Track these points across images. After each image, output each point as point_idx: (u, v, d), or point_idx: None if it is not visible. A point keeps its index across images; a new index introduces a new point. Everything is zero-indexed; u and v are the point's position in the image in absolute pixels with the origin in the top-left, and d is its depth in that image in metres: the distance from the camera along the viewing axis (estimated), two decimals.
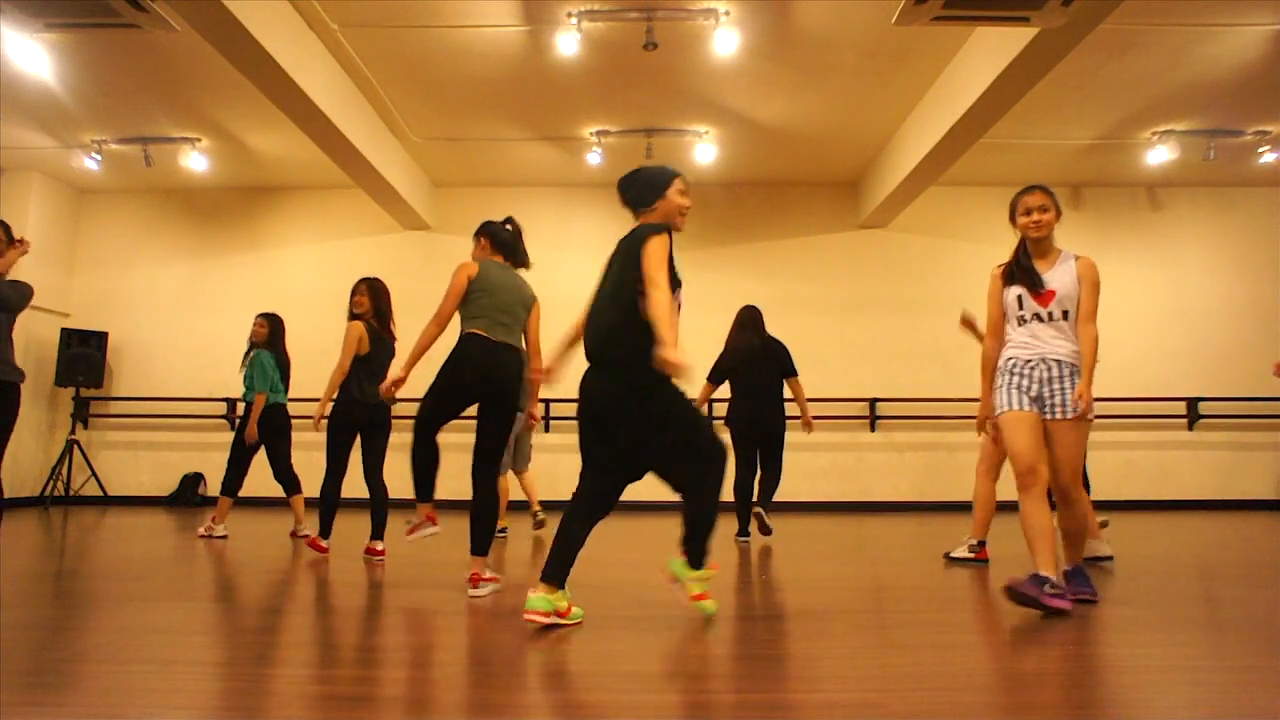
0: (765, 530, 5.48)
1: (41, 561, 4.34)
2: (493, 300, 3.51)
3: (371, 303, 4.75)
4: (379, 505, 4.67)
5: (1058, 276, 3.22)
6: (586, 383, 2.87)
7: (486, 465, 3.48)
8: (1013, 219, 3.32)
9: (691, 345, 9.16)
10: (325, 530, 4.73)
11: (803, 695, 2.07)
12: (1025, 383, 3.19)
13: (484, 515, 3.45)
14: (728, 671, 2.29)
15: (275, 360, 5.74)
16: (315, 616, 3.06)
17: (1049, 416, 3.15)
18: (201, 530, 5.61)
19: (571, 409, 8.35)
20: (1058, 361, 3.18)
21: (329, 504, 4.71)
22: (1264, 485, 8.35)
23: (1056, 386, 3.16)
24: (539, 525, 6.17)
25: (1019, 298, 3.25)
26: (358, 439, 4.74)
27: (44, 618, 2.95)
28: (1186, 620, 2.91)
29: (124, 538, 5.57)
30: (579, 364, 2.91)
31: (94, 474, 8.38)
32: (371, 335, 4.69)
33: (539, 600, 2.74)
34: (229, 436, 8.60)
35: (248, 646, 2.56)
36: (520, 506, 7.47)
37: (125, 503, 8.45)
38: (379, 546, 4.58)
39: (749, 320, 5.74)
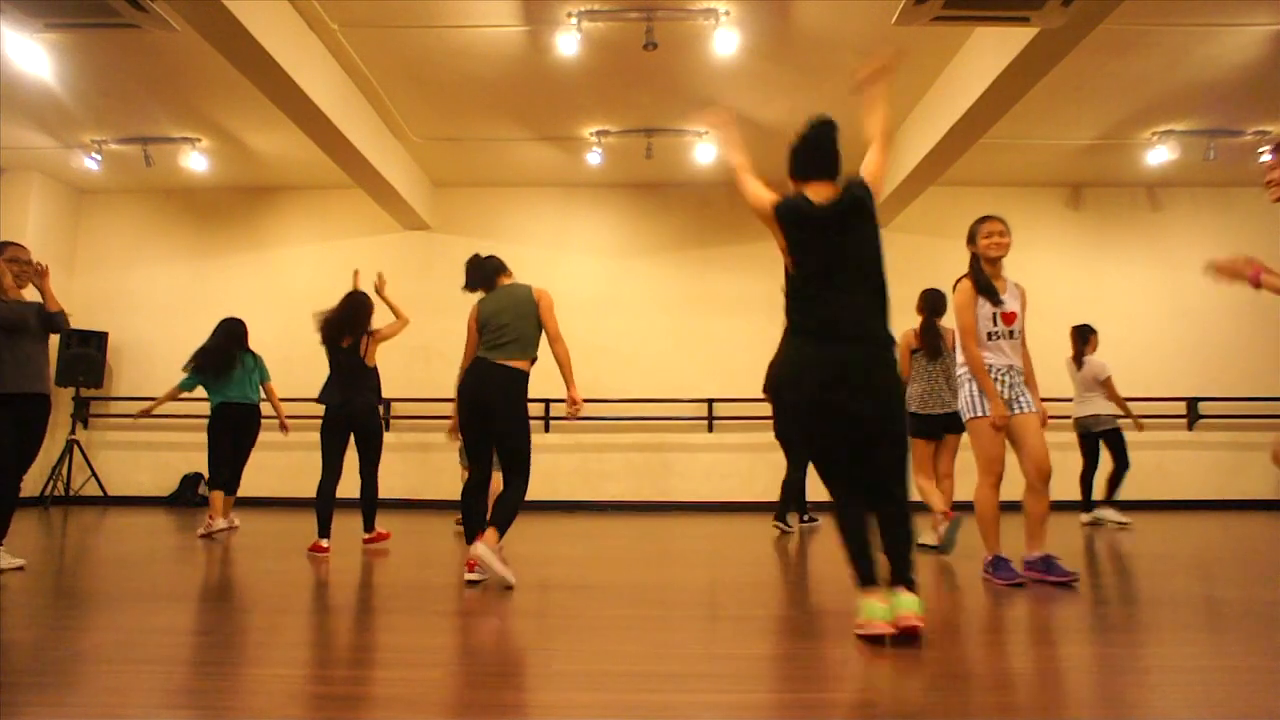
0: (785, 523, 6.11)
1: (41, 561, 4.34)
2: (489, 330, 3.88)
3: (322, 326, 5.06)
4: (365, 500, 5.08)
5: (1010, 302, 3.75)
6: (840, 359, 2.63)
7: (512, 464, 3.79)
8: (973, 241, 3.78)
9: (692, 346, 9.12)
10: (323, 530, 4.79)
11: (803, 695, 2.07)
12: (1000, 389, 3.69)
13: (505, 504, 3.68)
14: (727, 671, 2.29)
15: (196, 363, 5.78)
16: (315, 616, 3.06)
17: (1019, 412, 3.66)
18: (201, 530, 5.61)
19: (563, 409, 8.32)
20: (1019, 370, 3.76)
21: (322, 504, 4.83)
22: (1264, 485, 8.35)
23: (1021, 390, 3.71)
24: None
25: (993, 315, 3.72)
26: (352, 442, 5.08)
27: (44, 618, 2.95)
28: (1186, 620, 2.91)
29: (124, 538, 5.57)
30: None
31: (94, 474, 8.38)
32: (329, 350, 5.05)
33: (911, 602, 2.55)
34: None
35: (248, 646, 2.56)
36: None
37: (125, 503, 8.45)
38: (368, 535, 5.07)
39: None
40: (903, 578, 2.61)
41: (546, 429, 8.43)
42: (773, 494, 8.25)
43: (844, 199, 2.76)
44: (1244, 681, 2.18)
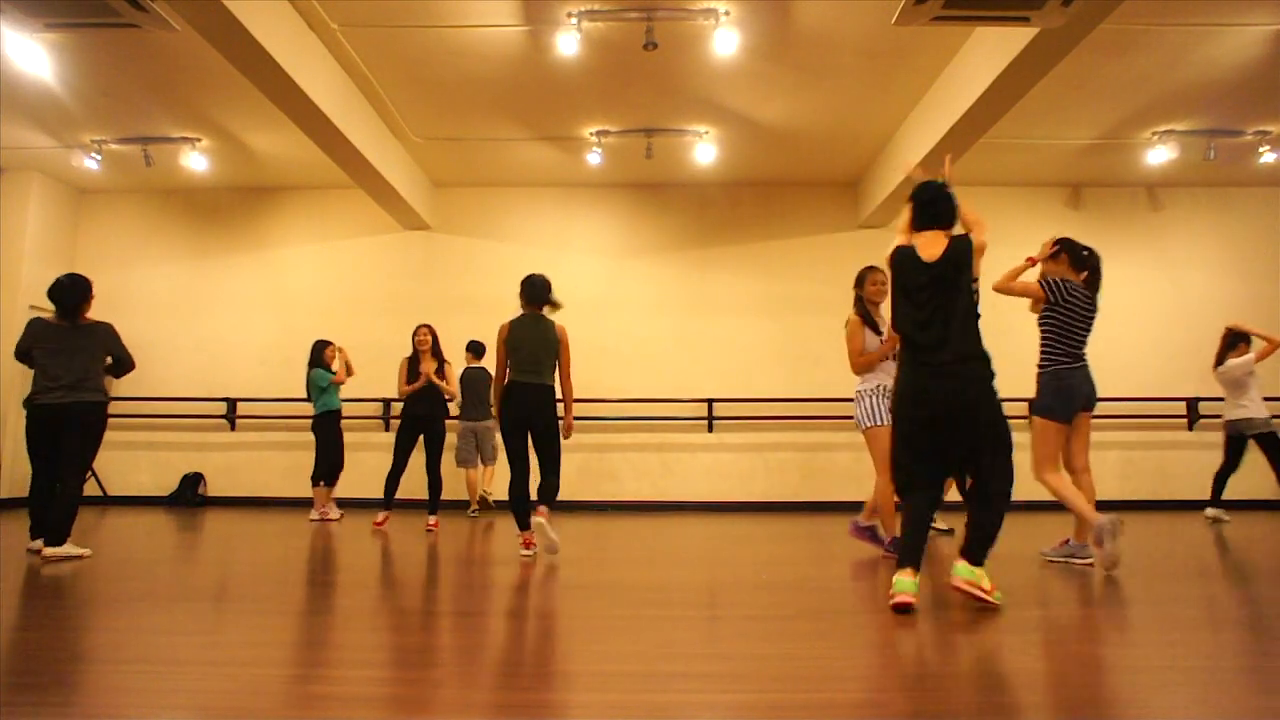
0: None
1: (42, 561, 4.34)
2: (520, 354, 4.54)
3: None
4: (432, 491, 6.23)
5: (887, 335, 4.51)
6: (937, 387, 3.09)
7: (550, 462, 4.52)
8: (860, 285, 4.64)
9: (692, 346, 9.11)
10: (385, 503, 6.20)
11: (803, 695, 2.07)
12: (887, 403, 4.31)
13: (549, 489, 4.44)
14: (728, 671, 2.29)
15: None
16: (315, 616, 3.06)
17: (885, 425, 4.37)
18: (314, 516, 6.73)
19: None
20: (888, 389, 4.45)
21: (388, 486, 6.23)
22: (1264, 485, 8.32)
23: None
24: (473, 514, 7.39)
25: (878, 342, 4.51)
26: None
27: (44, 617, 2.95)
28: (1186, 620, 2.91)
29: (124, 538, 5.58)
30: None
31: (94, 474, 8.37)
32: (409, 368, 6.37)
33: (963, 569, 3.03)
34: (229, 436, 8.62)
35: (248, 646, 2.56)
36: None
37: (125, 503, 8.45)
38: (431, 521, 6.06)
39: None
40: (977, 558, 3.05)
41: None
42: (772, 494, 8.28)
43: (949, 250, 3.24)
44: (1244, 681, 2.17)
